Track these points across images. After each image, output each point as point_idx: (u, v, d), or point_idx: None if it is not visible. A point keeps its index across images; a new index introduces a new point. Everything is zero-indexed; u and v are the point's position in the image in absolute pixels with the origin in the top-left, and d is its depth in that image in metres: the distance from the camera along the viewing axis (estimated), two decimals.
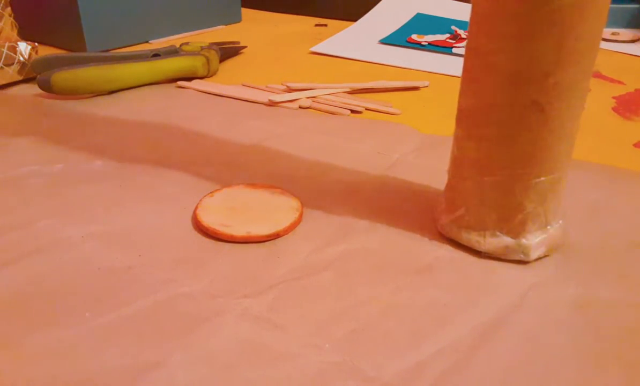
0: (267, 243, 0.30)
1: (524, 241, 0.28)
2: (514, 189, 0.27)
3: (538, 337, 0.24)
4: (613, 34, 0.79)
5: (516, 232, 0.28)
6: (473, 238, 0.29)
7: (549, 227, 0.29)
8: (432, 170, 0.38)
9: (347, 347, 0.23)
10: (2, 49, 0.52)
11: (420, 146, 0.42)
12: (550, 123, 0.26)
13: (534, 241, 0.28)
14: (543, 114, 0.26)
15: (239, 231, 0.30)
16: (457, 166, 0.30)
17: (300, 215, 0.32)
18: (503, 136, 0.27)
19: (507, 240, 0.28)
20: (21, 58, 0.54)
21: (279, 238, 0.30)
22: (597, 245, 0.30)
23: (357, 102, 0.50)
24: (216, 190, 0.34)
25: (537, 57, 0.25)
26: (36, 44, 0.55)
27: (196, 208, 0.32)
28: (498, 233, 0.28)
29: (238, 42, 0.69)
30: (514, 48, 0.25)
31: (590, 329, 0.24)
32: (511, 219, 0.28)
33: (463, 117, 0.29)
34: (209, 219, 0.31)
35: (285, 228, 0.30)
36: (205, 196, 0.33)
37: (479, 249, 0.29)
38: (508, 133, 0.27)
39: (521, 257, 0.28)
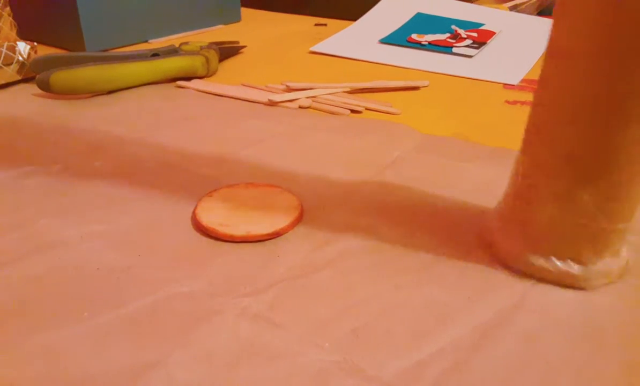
0: (266, 242, 0.30)
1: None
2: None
3: (538, 337, 0.24)
4: None
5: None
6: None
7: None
8: (431, 169, 0.38)
9: (347, 346, 0.23)
10: (1, 49, 0.52)
11: (420, 146, 0.42)
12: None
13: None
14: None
15: (238, 230, 0.30)
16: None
17: (300, 214, 0.32)
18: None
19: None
20: (20, 58, 0.54)
21: (279, 237, 0.30)
22: None
23: (357, 102, 0.50)
24: (215, 190, 0.34)
25: None
26: (35, 43, 0.55)
27: (195, 207, 0.32)
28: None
29: (237, 42, 0.69)
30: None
31: (590, 329, 0.24)
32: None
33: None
34: (208, 219, 0.31)
35: (285, 226, 0.30)
36: (204, 195, 0.33)
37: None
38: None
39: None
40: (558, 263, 0.26)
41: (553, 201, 0.26)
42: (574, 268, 0.26)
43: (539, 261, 0.27)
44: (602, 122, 0.24)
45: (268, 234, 0.30)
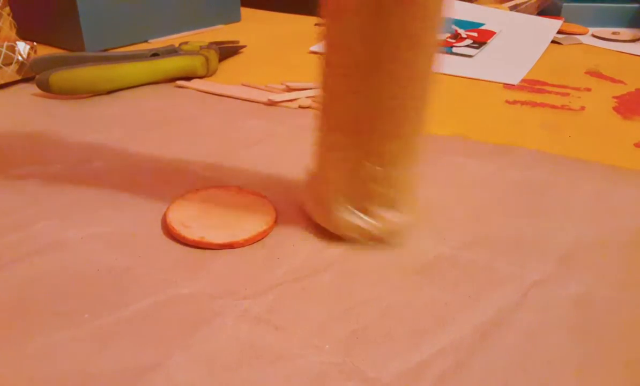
0: (266, 244, 0.30)
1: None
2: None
3: (539, 336, 0.24)
4: (613, 33, 0.79)
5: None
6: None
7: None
8: (431, 167, 0.38)
9: (347, 348, 0.23)
10: (1, 49, 0.52)
11: None
12: None
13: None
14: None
15: (217, 238, 0.29)
16: None
17: (274, 221, 0.31)
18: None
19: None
20: (20, 58, 0.54)
21: (279, 239, 0.30)
22: (597, 244, 0.30)
23: None
24: (188, 192, 0.34)
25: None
26: (35, 43, 0.55)
27: (166, 212, 0.32)
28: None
29: (237, 42, 0.69)
30: None
31: (591, 328, 0.24)
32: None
33: None
34: (183, 228, 0.30)
35: (247, 238, 0.30)
36: (177, 198, 0.33)
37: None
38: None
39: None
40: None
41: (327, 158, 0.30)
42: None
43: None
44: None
45: (222, 244, 0.29)
